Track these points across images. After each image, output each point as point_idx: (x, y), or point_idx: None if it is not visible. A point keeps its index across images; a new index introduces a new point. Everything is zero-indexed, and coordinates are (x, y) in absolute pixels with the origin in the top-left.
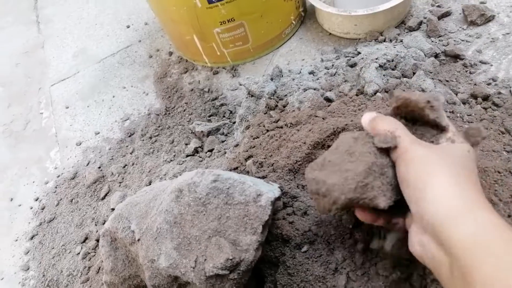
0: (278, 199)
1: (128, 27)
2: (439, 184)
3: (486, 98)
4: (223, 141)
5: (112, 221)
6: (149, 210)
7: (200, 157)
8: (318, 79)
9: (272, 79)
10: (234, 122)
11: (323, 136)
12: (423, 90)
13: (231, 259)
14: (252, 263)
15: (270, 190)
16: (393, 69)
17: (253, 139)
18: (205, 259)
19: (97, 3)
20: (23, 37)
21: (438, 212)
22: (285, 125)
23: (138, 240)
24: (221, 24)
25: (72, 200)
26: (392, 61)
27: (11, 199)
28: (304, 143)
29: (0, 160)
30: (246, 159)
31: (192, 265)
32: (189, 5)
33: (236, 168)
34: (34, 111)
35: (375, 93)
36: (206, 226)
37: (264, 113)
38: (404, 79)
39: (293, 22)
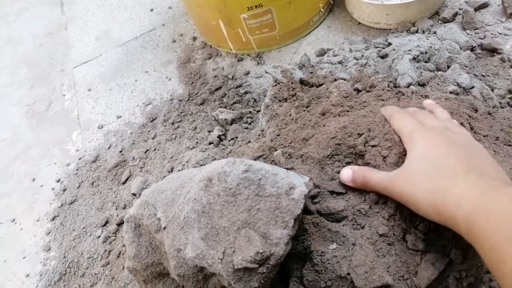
0: (309, 193)
1: (151, 10)
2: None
3: None
4: (246, 129)
5: (138, 208)
6: (176, 198)
7: (223, 145)
8: (347, 69)
9: (300, 68)
10: (258, 111)
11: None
12: (458, 85)
13: (261, 253)
14: (282, 258)
15: (303, 183)
16: (426, 62)
17: (279, 129)
18: (234, 251)
19: None
20: (47, 18)
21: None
22: (313, 115)
23: (164, 228)
24: (248, 10)
25: (93, 183)
26: (426, 53)
27: (33, 179)
28: (334, 137)
29: (23, 140)
30: (270, 149)
31: (220, 256)
32: None
33: (261, 156)
34: (56, 93)
35: (408, 86)
36: (236, 217)
37: (291, 102)
38: (439, 72)
39: (322, 10)
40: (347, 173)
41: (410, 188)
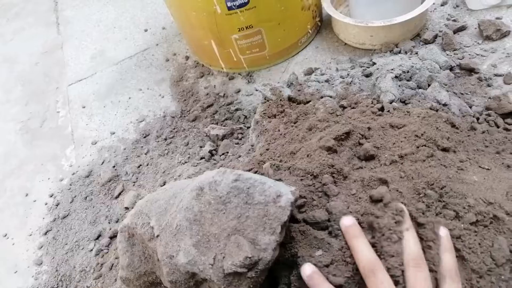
0: (295, 201)
1: (146, 31)
2: None
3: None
4: (237, 144)
5: (132, 217)
6: (169, 207)
7: (214, 160)
8: (334, 87)
9: (288, 86)
10: (249, 127)
11: (336, 137)
12: (438, 102)
13: (250, 258)
14: (270, 263)
15: (289, 192)
16: (408, 80)
17: (268, 143)
18: (224, 257)
19: (116, 7)
20: (43, 37)
21: None
22: (300, 130)
23: (157, 236)
24: (239, 31)
25: (86, 197)
26: (408, 72)
27: (26, 195)
28: (320, 147)
29: (17, 155)
30: (260, 162)
31: (210, 262)
32: (209, 11)
33: (250, 169)
34: (51, 110)
35: (391, 102)
36: (226, 224)
37: (280, 118)
38: (420, 90)
39: (310, 31)
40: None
41: None
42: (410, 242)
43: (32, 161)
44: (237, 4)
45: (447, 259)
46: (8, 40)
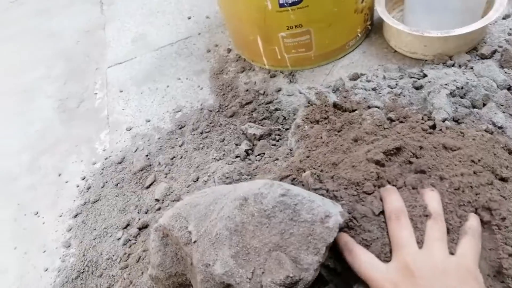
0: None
1: (189, 18)
2: None
3: None
4: (274, 146)
5: (170, 219)
6: (209, 213)
7: (249, 160)
8: (381, 97)
9: (334, 91)
10: (287, 129)
11: (385, 152)
12: (494, 124)
13: (291, 277)
14: (310, 283)
15: (338, 213)
16: (462, 97)
17: (309, 150)
18: (263, 272)
19: None
20: (86, 16)
21: None
22: (345, 140)
23: (194, 242)
24: (287, 29)
25: (117, 184)
26: (462, 88)
27: (59, 175)
28: (367, 160)
29: (53, 134)
30: (299, 170)
31: (248, 276)
32: (259, 6)
33: (288, 175)
34: (89, 91)
35: (443, 121)
36: (268, 239)
37: (323, 124)
38: (474, 109)
39: (359, 34)
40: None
41: None
42: (434, 201)
43: (67, 141)
44: (290, 2)
45: (472, 220)
46: (54, 15)
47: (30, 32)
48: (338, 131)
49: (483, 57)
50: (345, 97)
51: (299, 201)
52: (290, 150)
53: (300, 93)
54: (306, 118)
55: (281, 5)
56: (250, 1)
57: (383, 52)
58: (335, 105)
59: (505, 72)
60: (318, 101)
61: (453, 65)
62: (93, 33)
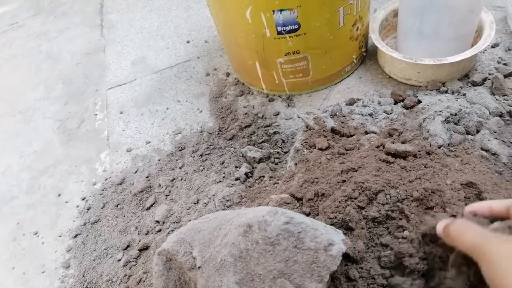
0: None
1: (188, 42)
2: None
3: None
4: (274, 170)
5: (174, 244)
6: (213, 239)
7: (249, 182)
8: (377, 122)
9: (332, 116)
10: (286, 152)
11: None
12: (487, 150)
13: None
14: None
15: (341, 241)
16: (456, 124)
17: (308, 174)
18: None
19: (160, 15)
20: (87, 38)
21: None
22: (343, 164)
23: (199, 267)
24: (285, 55)
25: (117, 205)
26: (455, 115)
27: (59, 195)
28: (369, 189)
29: (53, 154)
30: (297, 192)
31: None
32: (258, 33)
33: (289, 203)
34: (89, 112)
35: (439, 147)
36: (272, 266)
37: (321, 149)
38: (468, 136)
39: (354, 60)
40: (441, 225)
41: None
42: None
43: (67, 162)
44: (287, 30)
45: None
46: (53, 37)
47: (29, 54)
48: (337, 156)
49: (475, 84)
50: (342, 122)
51: (303, 229)
52: (290, 174)
53: (299, 117)
54: (304, 142)
55: (279, 33)
56: (249, 29)
57: (378, 78)
58: (333, 130)
59: (496, 99)
60: (316, 126)
61: (446, 92)
62: (93, 55)
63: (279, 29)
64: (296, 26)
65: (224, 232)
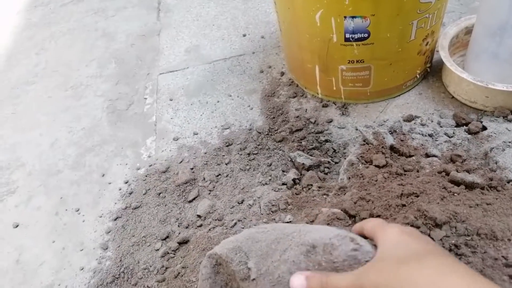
0: None
1: (244, 35)
2: None
3: None
4: (321, 179)
5: (228, 251)
6: (270, 252)
7: (296, 189)
8: (438, 145)
9: (391, 133)
10: (337, 162)
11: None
12: None
13: None
14: None
15: None
16: None
17: (364, 192)
18: None
19: (218, 5)
20: (143, 20)
21: None
22: (402, 186)
23: (253, 279)
24: (348, 63)
25: (160, 193)
26: None
27: (103, 175)
28: (434, 220)
29: (100, 133)
30: (351, 209)
31: None
32: (324, 38)
33: (342, 219)
34: (139, 95)
35: (508, 182)
36: None
37: (379, 167)
38: None
39: (418, 76)
40: (299, 281)
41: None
42: None
43: (113, 142)
44: (356, 37)
45: None
46: (110, 15)
47: (85, 30)
48: (395, 176)
49: None
50: (402, 140)
51: (370, 258)
52: (341, 187)
53: (357, 130)
54: (361, 156)
55: (347, 39)
56: (315, 32)
57: (440, 96)
58: (392, 148)
59: None
60: (375, 141)
61: None
62: (147, 38)
63: (347, 35)
64: (366, 35)
65: (283, 247)
